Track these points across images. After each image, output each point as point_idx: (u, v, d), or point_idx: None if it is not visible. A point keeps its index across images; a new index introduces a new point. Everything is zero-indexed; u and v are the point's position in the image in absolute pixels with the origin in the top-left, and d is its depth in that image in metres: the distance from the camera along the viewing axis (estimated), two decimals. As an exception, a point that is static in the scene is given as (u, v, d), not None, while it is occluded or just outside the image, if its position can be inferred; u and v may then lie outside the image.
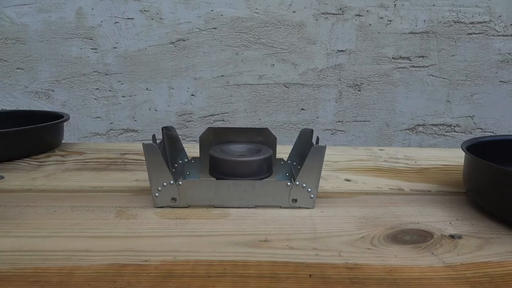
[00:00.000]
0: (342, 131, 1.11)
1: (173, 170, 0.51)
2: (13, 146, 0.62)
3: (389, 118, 1.10)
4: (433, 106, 1.10)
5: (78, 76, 1.06)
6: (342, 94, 1.08)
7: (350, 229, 0.40)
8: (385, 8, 1.03)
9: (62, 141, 0.74)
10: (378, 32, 1.05)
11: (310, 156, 0.43)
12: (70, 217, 0.42)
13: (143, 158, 0.49)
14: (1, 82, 1.05)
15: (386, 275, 0.32)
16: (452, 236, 0.39)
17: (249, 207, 0.45)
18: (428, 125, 1.11)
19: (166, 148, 0.50)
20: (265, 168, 0.48)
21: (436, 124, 1.11)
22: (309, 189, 0.44)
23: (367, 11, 1.03)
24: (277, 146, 0.54)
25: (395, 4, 1.03)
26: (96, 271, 0.32)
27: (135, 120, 1.09)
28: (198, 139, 0.54)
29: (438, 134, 1.12)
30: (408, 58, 1.06)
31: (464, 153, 0.46)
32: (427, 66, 1.07)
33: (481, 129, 1.12)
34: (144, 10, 1.02)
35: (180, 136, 0.57)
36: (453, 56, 1.06)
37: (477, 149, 0.48)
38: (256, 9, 1.03)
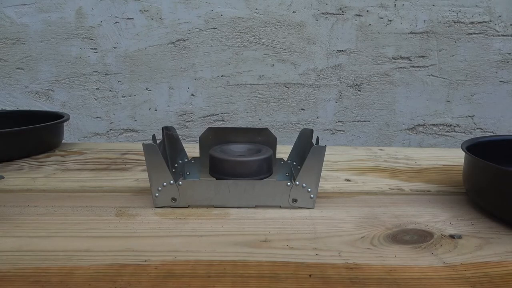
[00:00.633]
0: (342, 131, 1.11)
1: (173, 170, 0.51)
2: (13, 146, 0.62)
3: (389, 118, 1.10)
4: (433, 106, 1.10)
5: (78, 76, 1.06)
6: (342, 94, 1.08)
7: (350, 229, 0.40)
8: (385, 8, 1.03)
9: (62, 141, 0.74)
10: (378, 32, 1.05)
11: (310, 156, 0.43)
12: (70, 217, 0.42)
13: (143, 158, 0.49)
14: (1, 82, 1.05)
15: (386, 275, 0.32)
16: (452, 236, 0.39)
17: (249, 207, 0.45)
18: (428, 125, 1.11)
19: (166, 148, 0.50)
20: (265, 168, 0.48)
21: (436, 124, 1.11)
22: (309, 189, 0.44)
23: (367, 11, 1.03)
24: (277, 146, 0.54)
25: (395, 4, 1.03)
26: (96, 271, 0.32)
27: (135, 120, 1.09)
28: (198, 139, 0.54)
29: (438, 134, 1.12)
30: (408, 58, 1.06)
31: (464, 153, 0.46)
32: (427, 66, 1.07)
33: (481, 129, 1.12)
34: (144, 10, 1.02)
35: (180, 136, 0.57)
36: (453, 56, 1.07)
37: (477, 149, 0.48)
38: (256, 9, 1.03)
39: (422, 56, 1.06)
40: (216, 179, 0.46)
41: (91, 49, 1.04)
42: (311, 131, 0.51)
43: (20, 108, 1.06)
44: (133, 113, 1.08)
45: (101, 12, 1.02)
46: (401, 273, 0.32)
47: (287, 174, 0.54)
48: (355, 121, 1.10)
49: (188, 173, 0.54)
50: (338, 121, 1.10)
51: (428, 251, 0.36)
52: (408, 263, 0.34)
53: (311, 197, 0.45)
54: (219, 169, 0.47)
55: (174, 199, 0.44)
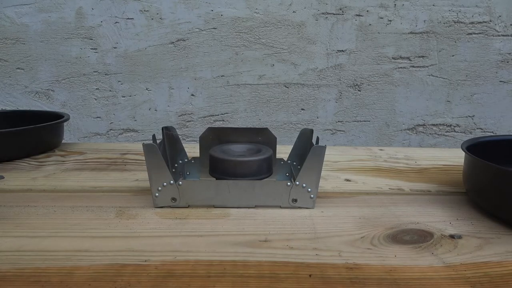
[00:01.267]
0: (342, 131, 1.11)
1: (173, 170, 0.51)
2: (13, 146, 0.62)
3: (389, 118, 1.10)
4: (433, 106, 1.10)
5: (78, 76, 1.06)
6: (342, 94, 1.08)
7: (350, 229, 0.40)
8: (385, 8, 1.03)
9: (62, 141, 0.74)
10: (378, 32, 1.05)
11: (310, 156, 0.43)
12: (70, 217, 0.42)
13: (143, 158, 0.49)
14: (1, 82, 1.05)
15: (386, 275, 0.32)
16: (452, 236, 0.39)
17: (249, 207, 0.45)
18: (428, 125, 1.11)
19: (166, 148, 0.50)
20: (265, 168, 0.48)
21: (436, 124, 1.11)
22: (309, 189, 0.44)
23: (367, 11, 1.03)
24: (277, 146, 0.54)
25: (395, 4, 1.03)
26: (96, 271, 0.32)
27: (135, 120, 1.09)
28: (198, 139, 0.54)
29: (438, 134, 1.12)
30: (408, 58, 1.06)
31: (464, 153, 0.46)
32: (427, 66, 1.07)
33: (481, 129, 1.12)
34: (144, 10, 1.02)
35: (180, 136, 0.57)
36: (453, 56, 1.07)
37: (477, 149, 0.48)
38: (256, 9, 1.03)
39: (422, 56, 1.06)
40: (216, 179, 0.46)
41: (91, 49, 1.04)
42: (311, 131, 0.51)
43: (20, 108, 1.06)
44: (133, 113, 1.08)
45: (101, 12, 1.02)
46: (401, 273, 0.32)
47: (287, 174, 0.54)
48: (355, 121, 1.10)
49: (188, 173, 0.54)
50: (338, 121, 1.10)
51: (428, 251, 0.36)
52: (408, 263, 0.34)
53: (311, 197, 0.45)
54: (219, 169, 0.47)
55: (174, 199, 0.44)
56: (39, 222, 0.40)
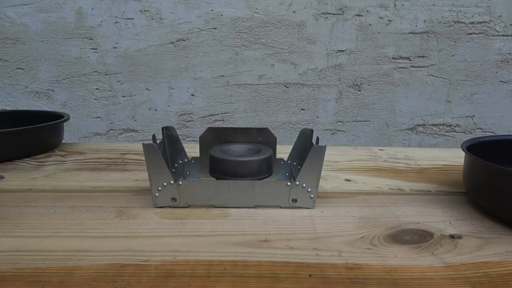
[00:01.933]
0: (342, 131, 1.11)
1: (173, 170, 0.51)
2: (13, 146, 0.62)
3: (389, 118, 1.10)
4: (433, 106, 1.10)
5: (78, 76, 1.06)
6: (342, 94, 1.08)
7: (350, 229, 0.40)
8: (385, 8, 1.03)
9: (62, 141, 0.74)
10: (378, 32, 1.05)
11: (310, 156, 0.43)
12: (70, 217, 0.42)
13: (143, 158, 0.49)
14: (1, 82, 1.05)
15: (386, 275, 0.32)
16: (452, 236, 0.39)
17: (249, 207, 0.45)
18: (428, 125, 1.11)
19: (166, 148, 0.50)
20: (265, 168, 0.48)
21: (436, 124, 1.11)
22: (309, 189, 0.44)
23: (367, 11, 1.03)
24: (277, 146, 0.54)
25: (395, 4, 1.03)
26: (96, 271, 0.32)
27: (135, 120, 1.09)
28: (198, 139, 0.54)
29: (438, 134, 1.12)
30: (408, 58, 1.06)
31: (464, 153, 0.46)
32: (427, 66, 1.07)
33: (481, 129, 1.12)
34: (144, 10, 1.02)
35: (180, 136, 0.57)
36: (453, 56, 1.06)
37: (477, 149, 0.48)
38: (256, 9, 1.03)
39: (422, 56, 1.06)
40: (216, 179, 0.46)
41: (91, 49, 1.04)
42: (311, 131, 0.51)
43: (20, 108, 1.06)
44: (133, 113, 1.08)
45: (101, 12, 1.02)
46: (401, 273, 0.32)
47: (287, 174, 0.54)
48: (355, 121, 1.10)
49: (188, 173, 0.54)
50: (338, 121, 1.10)
51: (428, 251, 0.36)
52: (408, 263, 0.34)
53: (311, 197, 0.45)
54: (219, 169, 0.47)
55: (174, 199, 0.44)
56: (39, 222, 0.40)
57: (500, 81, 1.08)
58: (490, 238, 0.39)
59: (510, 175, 0.39)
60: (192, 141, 1.10)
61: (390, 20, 1.04)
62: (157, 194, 0.44)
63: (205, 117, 1.09)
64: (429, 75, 1.07)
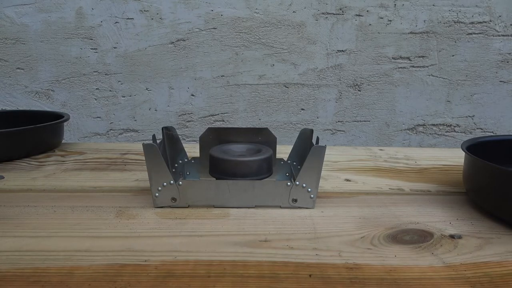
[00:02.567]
0: (342, 131, 1.11)
1: (173, 170, 0.51)
2: (13, 146, 0.62)
3: (389, 118, 1.10)
4: (433, 106, 1.10)
5: (78, 76, 1.06)
6: (342, 94, 1.08)
7: (350, 229, 0.40)
8: (385, 8, 1.03)
9: (62, 141, 0.74)
10: (378, 32, 1.05)
11: (310, 156, 0.43)
12: (70, 217, 0.42)
13: (143, 158, 0.49)
14: (1, 82, 1.05)
15: (386, 275, 0.32)
16: (452, 236, 0.39)
17: (249, 207, 0.45)
18: (428, 125, 1.11)
19: (166, 148, 0.50)
20: (265, 168, 0.48)
21: (436, 124, 1.11)
22: (309, 189, 0.44)
23: (367, 11, 1.03)
24: (277, 146, 0.54)
25: (395, 4, 1.03)
26: (96, 271, 0.32)
27: (135, 120, 1.09)
28: (198, 139, 0.54)
29: (438, 134, 1.12)
30: (408, 58, 1.06)
31: (464, 153, 0.46)
32: (427, 66, 1.07)
33: (481, 129, 1.12)
34: (144, 10, 1.02)
35: (180, 136, 0.57)
36: (453, 56, 1.06)
37: (477, 149, 0.48)
38: (256, 9, 1.03)
39: (422, 56, 1.06)
40: (216, 179, 0.46)
41: (91, 49, 1.04)
42: (311, 131, 0.51)
43: (20, 108, 1.06)
44: (133, 113, 1.08)
45: (101, 12, 1.02)
46: (401, 273, 0.32)
47: (287, 174, 0.54)
48: (355, 121, 1.10)
49: (188, 173, 0.54)
50: (338, 121, 1.10)
51: (428, 251, 0.36)
52: (408, 263, 0.34)
53: (311, 197, 0.45)
54: (219, 169, 0.47)
55: (174, 199, 0.44)
56: (39, 222, 0.40)
57: (500, 81, 1.08)
58: (490, 238, 0.39)
59: (510, 175, 0.39)
60: (192, 141, 1.10)
61: (390, 20, 1.04)
62: (157, 194, 0.44)
63: (205, 117, 1.09)
64: (429, 75, 1.07)
